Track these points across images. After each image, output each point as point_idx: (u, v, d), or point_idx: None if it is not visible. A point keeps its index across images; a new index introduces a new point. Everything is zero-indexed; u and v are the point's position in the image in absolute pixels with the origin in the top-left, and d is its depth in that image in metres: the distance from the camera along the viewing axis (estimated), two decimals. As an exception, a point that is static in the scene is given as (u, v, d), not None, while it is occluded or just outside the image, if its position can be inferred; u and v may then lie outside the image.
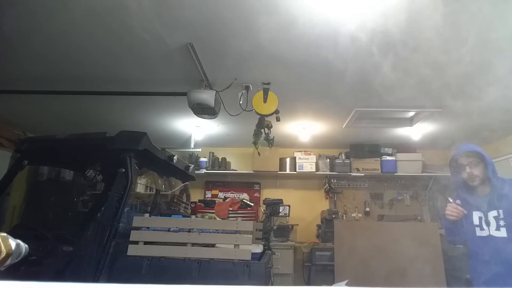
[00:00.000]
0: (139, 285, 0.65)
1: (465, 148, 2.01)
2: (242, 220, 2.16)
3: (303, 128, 4.69)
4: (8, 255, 0.86)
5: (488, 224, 1.89)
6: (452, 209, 1.95)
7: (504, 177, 1.97)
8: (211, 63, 2.94)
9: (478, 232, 1.93)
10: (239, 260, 1.95)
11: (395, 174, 5.37)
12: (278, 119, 3.28)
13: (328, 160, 5.53)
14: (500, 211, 1.85)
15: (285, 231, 5.15)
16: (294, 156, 5.56)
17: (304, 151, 5.58)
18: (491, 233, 1.86)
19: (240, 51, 2.71)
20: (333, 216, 5.08)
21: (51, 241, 1.86)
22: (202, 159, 5.52)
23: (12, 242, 0.89)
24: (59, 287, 0.64)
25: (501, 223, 1.83)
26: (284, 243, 4.91)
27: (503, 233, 1.82)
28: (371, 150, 5.40)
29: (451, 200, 2.03)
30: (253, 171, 5.45)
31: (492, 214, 1.88)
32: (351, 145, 5.47)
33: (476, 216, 1.95)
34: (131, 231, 2.06)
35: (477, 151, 1.97)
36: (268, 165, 5.39)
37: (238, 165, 5.76)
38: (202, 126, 4.71)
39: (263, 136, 3.47)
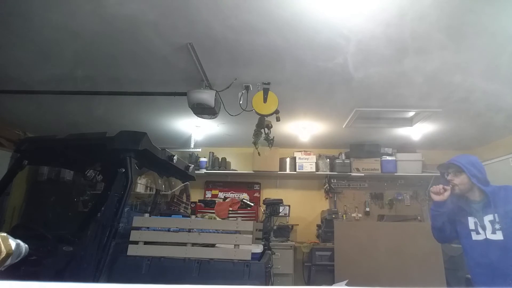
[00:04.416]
0: (139, 285, 0.65)
1: (448, 160, 2.11)
2: (242, 220, 2.16)
3: (303, 128, 4.69)
4: (8, 255, 0.86)
5: (484, 228, 1.94)
6: (437, 189, 2.04)
7: (498, 184, 2.04)
8: (211, 63, 2.94)
9: (474, 237, 1.98)
10: (239, 260, 1.95)
11: (395, 174, 5.37)
12: (278, 119, 3.28)
13: (328, 160, 5.53)
14: (496, 215, 1.90)
15: (285, 231, 5.15)
16: (294, 156, 5.55)
17: (304, 151, 5.58)
18: (488, 237, 1.92)
19: (240, 51, 2.72)
20: (333, 216, 5.09)
21: (51, 241, 1.86)
22: (202, 159, 5.52)
23: (12, 242, 0.89)
24: (59, 287, 0.64)
25: (497, 226, 1.89)
26: (284, 243, 4.90)
27: (499, 236, 1.87)
28: (371, 150, 5.40)
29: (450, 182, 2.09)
30: (253, 171, 5.45)
31: (488, 218, 1.94)
32: (351, 145, 5.47)
33: (471, 221, 2.01)
34: (131, 231, 2.06)
35: (456, 163, 2.05)
36: (268, 165, 5.39)
37: (238, 165, 5.76)
38: (202, 126, 4.71)
39: (263, 136, 3.47)
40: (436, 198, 2.06)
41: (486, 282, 1.92)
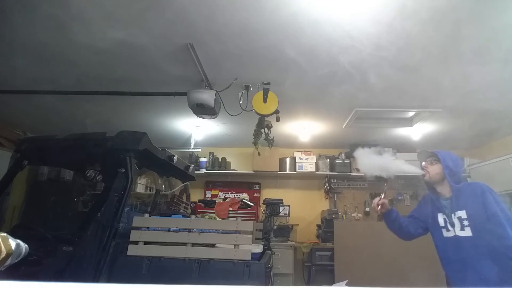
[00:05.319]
0: (139, 285, 0.65)
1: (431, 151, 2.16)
2: (242, 220, 2.16)
3: (303, 128, 4.69)
4: (8, 255, 0.86)
5: (452, 225, 1.97)
6: (374, 204, 2.16)
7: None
8: (211, 63, 2.94)
9: (445, 233, 2.02)
10: (239, 260, 1.95)
11: (395, 174, 5.36)
12: (278, 119, 3.28)
13: (328, 160, 5.52)
14: (464, 211, 1.93)
15: (285, 231, 5.15)
16: (294, 156, 5.55)
17: (304, 151, 5.58)
18: (457, 233, 1.95)
19: (240, 51, 2.71)
20: (333, 216, 5.08)
21: (51, 241, 1.86)
22: (202, 159, 5.52)
23: (12, 242, 0.89)
24: (59, 287, 0.64)
25: (465, 223, 1.91)
26: (284, 243, 4.90)
27: (467, 232, 1.90)
28: (371, 150, 5.39)
29: (381, 196, 2.18)
30: (253, 171, 5.45)
31: (456, 215, 1.97)
32: (351, 145, 5.46)
33: (441, 218, 2.05)
34: (131, 231, 2.06)
35: (435, 151, 2.10)
36: (268, 165, 5.38)
37: (238, 165, 5.76)
38: (202, 126, 4.71)
39: (263, 136, 3.47)
40: (380, 212, 2.16)
41: (459, 278, 1.95)
